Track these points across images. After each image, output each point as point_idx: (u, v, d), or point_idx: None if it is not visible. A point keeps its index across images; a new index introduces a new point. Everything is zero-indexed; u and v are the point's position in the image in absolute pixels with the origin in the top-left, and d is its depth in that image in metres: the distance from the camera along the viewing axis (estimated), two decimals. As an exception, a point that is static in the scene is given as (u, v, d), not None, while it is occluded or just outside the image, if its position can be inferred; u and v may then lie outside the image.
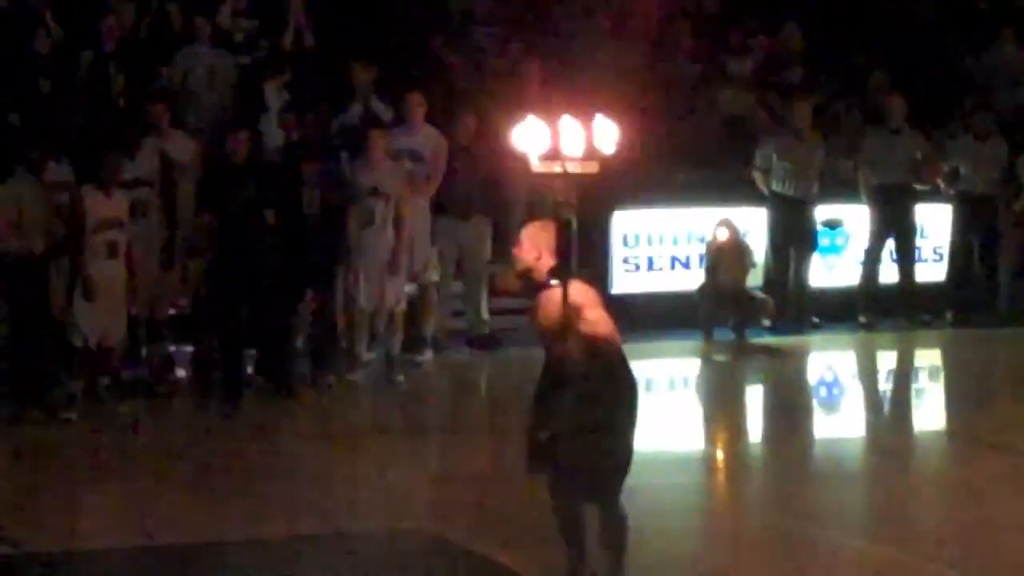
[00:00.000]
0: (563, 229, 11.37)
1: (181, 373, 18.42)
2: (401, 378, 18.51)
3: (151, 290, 17.93)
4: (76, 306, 16.36)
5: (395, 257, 18.09)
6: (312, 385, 18.34)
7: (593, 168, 11.28)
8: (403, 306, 18.59)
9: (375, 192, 18.10)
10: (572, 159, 11.20)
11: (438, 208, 19.36)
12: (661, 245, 21.38)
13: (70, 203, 16.63)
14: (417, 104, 19.38)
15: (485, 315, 19.98)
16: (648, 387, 19.72)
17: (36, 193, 17.03)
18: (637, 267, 21.29)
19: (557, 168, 11.20)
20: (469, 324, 20.16)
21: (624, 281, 21.16)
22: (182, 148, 18.49)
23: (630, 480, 11.24)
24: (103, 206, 16.38)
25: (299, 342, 18.67)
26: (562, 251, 11.25)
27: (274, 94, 20.17)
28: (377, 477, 15.37)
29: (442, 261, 19.59)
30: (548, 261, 11.25)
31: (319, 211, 18.01)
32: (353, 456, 16.26)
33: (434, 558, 13.09)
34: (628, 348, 20.03)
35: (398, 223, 18.15)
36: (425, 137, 19.41)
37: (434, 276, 19.30)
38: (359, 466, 15.98)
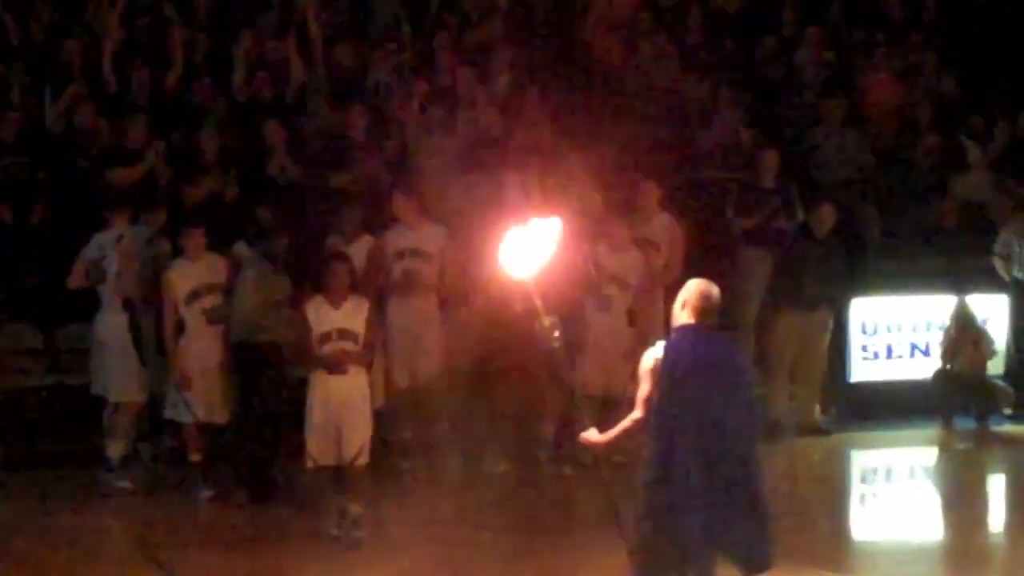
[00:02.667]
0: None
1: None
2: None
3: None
4: None
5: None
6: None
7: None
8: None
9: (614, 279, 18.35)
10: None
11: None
12: (900, 333, 21.28)
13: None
14: (650, 192, 19.41)
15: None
16: (889, 476, 20.08)
17: None
18: (876, 355, 21.22)
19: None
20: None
21: (863, 369, 21.16)
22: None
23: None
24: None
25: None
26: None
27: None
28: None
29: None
30: None
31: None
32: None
33: None
34: (871, 437, 20.30)
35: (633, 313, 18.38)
36: (660, 225, 19.41)
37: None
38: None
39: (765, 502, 11.33)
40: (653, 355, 11.26)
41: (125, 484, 17.68)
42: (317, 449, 15.11)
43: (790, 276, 19.58)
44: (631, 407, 11.37)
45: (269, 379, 17.47)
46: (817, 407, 20.41)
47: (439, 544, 15.45)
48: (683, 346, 11.26)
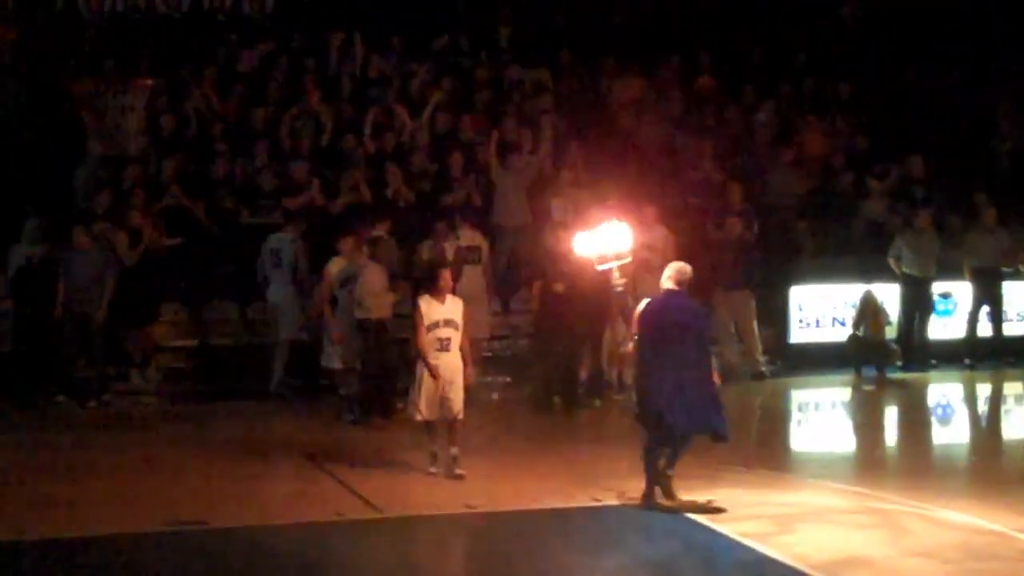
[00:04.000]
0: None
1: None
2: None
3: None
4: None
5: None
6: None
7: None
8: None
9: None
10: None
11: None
12: (824, 309, 21.25)
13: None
14: (651, 212, 19.46)
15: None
16: (817, 408, 20.02)
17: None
18: (808, 324, 21.27)
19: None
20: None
21: (799, 334, 21.25)
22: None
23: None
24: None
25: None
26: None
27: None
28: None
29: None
30: None
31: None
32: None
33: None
34: (803, 381, 20.31)
35: None
36: (659, 235, 19.42)
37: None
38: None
39: (713, 385, 12.91)
40: (641, 306, 13.02)
41: (352, 417, 17.39)
42: (427, 408, 14.22)
43: (713, 268, 19.61)
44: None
45: (377, 343, 17.29)
46: (760, 359, 20.47)
47: (507, 452, 15.65)
48: (664, 299, 13.01)
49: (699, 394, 12.86)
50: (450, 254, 18.79)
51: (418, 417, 14.42)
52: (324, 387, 18.48)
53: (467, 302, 14.97)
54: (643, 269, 17.93)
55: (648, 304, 13.08)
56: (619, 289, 13.98)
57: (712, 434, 13.07)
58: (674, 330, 12.87)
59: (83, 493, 13.89)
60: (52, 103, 21.85)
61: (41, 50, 23.04)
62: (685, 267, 13.16)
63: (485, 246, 19.70)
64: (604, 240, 13.96)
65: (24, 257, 18.60)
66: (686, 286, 13.09)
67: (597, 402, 18.41)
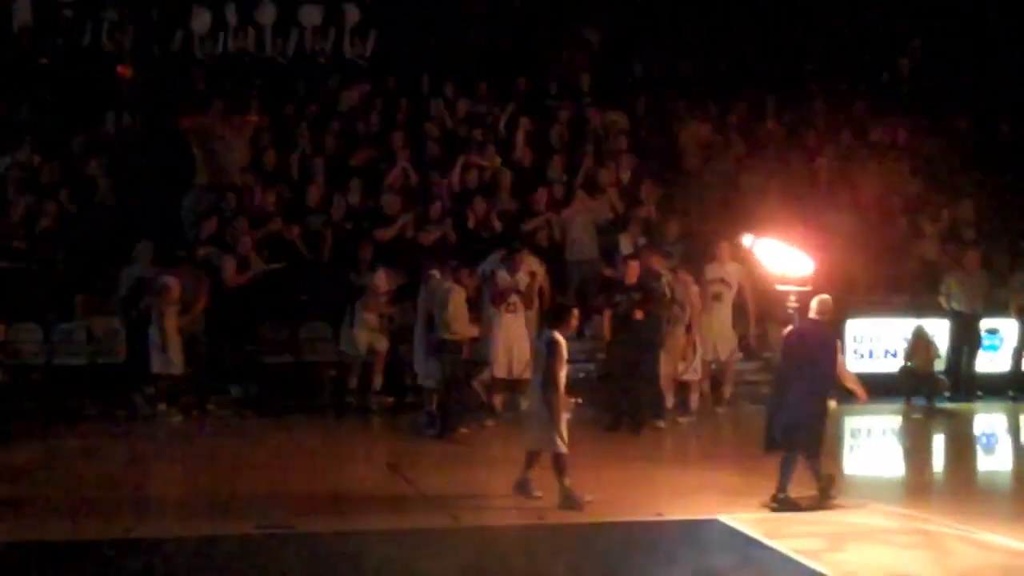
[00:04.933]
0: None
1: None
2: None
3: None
4: None
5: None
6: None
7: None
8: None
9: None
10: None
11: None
12: (879, 342, 21.19)
13: None
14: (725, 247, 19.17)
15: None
16: (869, 434, 19.72)
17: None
18: (863, 355, 21.09)
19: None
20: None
21: (854, 364, 20.57)
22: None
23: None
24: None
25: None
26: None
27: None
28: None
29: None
30: None
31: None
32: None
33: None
34: (857, 408, 20.06)
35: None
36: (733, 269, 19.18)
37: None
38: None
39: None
40: (785, 331, 13.87)
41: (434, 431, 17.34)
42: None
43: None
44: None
45: (452, 361, 17.26)
46: None
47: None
48: (807, 327, 13.76)
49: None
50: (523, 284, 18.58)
51: (563, 449, 13.44)
52: (410, 403, 18.67)
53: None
54: (714, 299, 18.03)
55: (792, 331, 13.73)
56: (790, 311, 14.19)
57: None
58: (814, 354, 13.56)
59: (188, 495, 14.09)
60: (164, 136, 22.05)
61: (156, 87, 23.31)
62: (827, 299, 13.80)
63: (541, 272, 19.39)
64: (788, 263, 14.28)
65: (135, 278, 18.76)
66: (827, 316, 13.78)
67: (661, 423, 18.25)
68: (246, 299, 19.02)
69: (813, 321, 13.75)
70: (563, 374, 13.51)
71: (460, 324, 17.23)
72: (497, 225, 20.94)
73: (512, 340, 18.08)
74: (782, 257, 14.39)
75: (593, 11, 25.91)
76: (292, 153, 22.12)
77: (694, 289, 18.80)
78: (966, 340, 21.02)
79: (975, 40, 26.31)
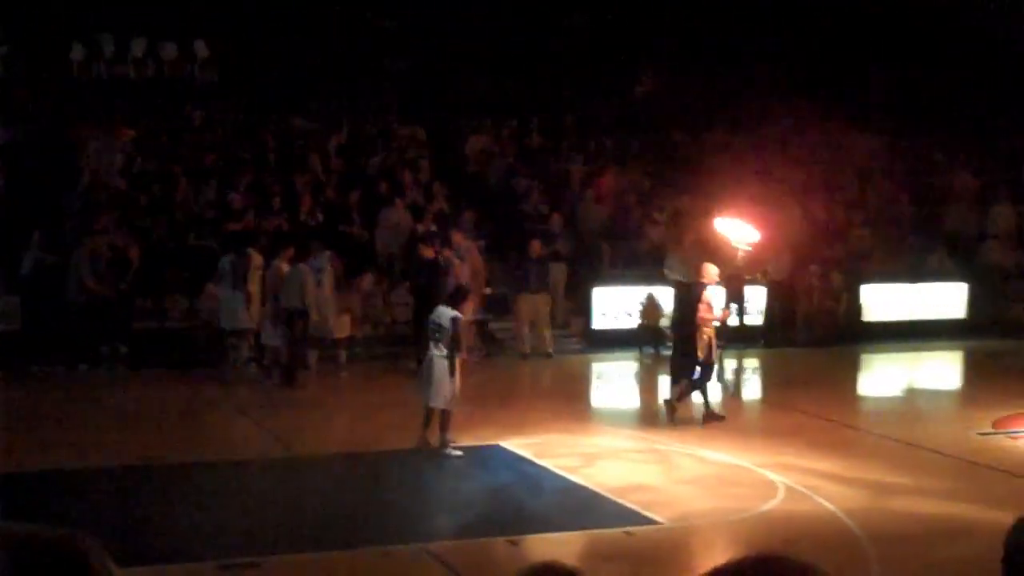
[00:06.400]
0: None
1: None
2: None
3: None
4: None
5: None
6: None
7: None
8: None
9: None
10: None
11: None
12: (619, 304, 20.79)
13: None
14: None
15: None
16: (614, 376, 19.60)
17: None
18: (606, 315, 20.71)
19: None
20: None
21: (600, 321, 20.80)
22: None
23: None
24: None
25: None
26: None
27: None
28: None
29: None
30: None
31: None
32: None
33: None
34: (603, 357, 19.97)
35: None
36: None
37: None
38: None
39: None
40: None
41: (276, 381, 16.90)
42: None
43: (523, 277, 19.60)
44: None
45: (300, 325, 16.95)
46: (549, 342, 19.72)
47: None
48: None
49: None
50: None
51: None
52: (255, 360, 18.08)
53: None
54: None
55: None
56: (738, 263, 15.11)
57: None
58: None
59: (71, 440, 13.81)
60: (53, 145, 21.47)
61: (47, 104, 22.71)
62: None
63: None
64: (736, 231, 14.99)
65: (32, 260, 18.28)
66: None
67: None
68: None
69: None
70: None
71: (297, 298, 17.01)
72: (320, 217, 20.77)
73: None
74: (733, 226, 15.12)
75: (399, 44, 25.85)
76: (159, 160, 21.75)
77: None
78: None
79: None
